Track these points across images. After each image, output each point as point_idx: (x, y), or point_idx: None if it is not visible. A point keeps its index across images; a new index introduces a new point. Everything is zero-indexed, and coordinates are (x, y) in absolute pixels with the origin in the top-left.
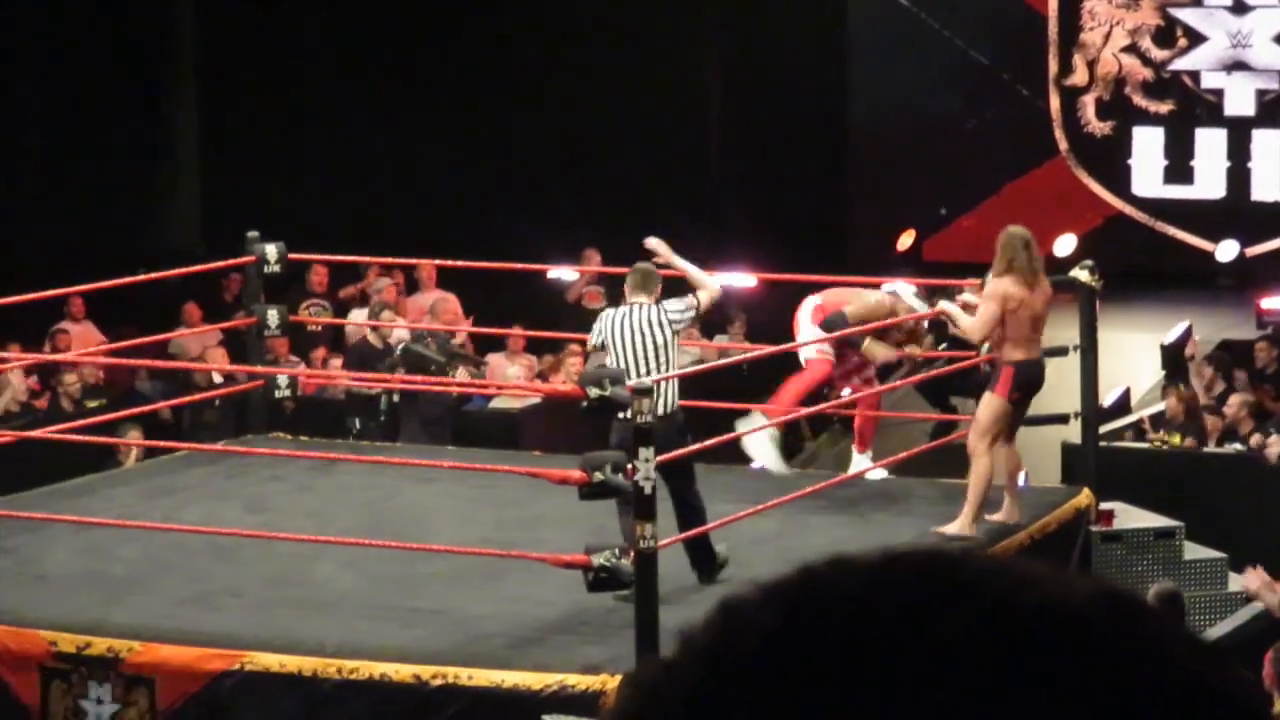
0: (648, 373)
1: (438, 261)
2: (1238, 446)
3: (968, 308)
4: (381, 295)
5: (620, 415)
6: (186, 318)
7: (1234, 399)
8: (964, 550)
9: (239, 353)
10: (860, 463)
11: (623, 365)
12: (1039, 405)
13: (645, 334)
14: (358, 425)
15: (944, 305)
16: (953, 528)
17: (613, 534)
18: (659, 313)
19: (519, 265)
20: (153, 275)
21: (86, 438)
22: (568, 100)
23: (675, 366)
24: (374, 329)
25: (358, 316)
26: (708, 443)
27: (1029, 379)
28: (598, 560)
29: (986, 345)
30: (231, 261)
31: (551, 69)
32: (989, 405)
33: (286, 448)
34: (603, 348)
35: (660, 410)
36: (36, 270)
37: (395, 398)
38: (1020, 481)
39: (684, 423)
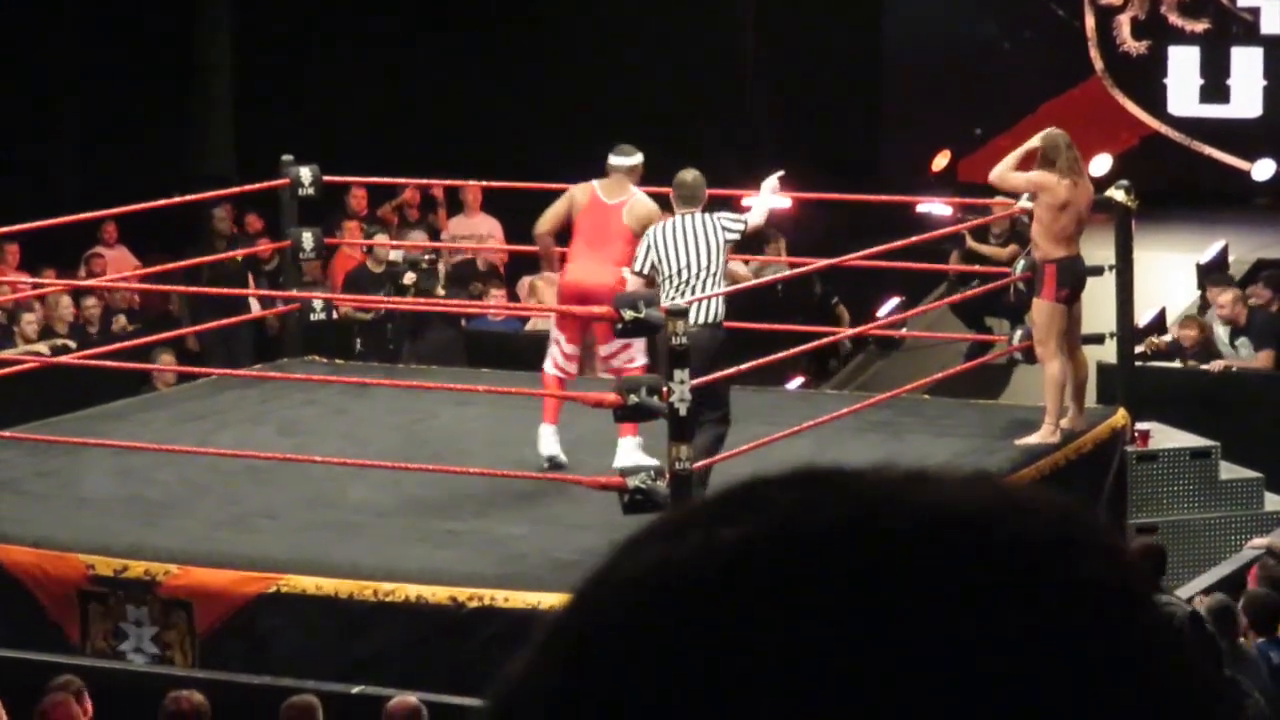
0: (699, 282)
1: (482, 183)
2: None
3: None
4: (382, 213)
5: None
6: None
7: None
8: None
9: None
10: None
11: (673, 275)
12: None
13: (698, 242)
14: (359, 347)
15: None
16: (1035, 437)
17: (652, 455)
18: (712, 222)
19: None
20: (186, 199)
21: (120, 363)
22: (602, 27)
23: (723, 278)
24: (370, 253)
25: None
26: (743, 366)
27: (1074, 276)
28: (633, 482)
29: (1021, 263)
30: (265, 184)
31: None
32: (1041, 310)
33: (320, 371)
34: (646, 273)
35: (705, 319)
36: (72, 198)
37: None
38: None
39: (726, 339)
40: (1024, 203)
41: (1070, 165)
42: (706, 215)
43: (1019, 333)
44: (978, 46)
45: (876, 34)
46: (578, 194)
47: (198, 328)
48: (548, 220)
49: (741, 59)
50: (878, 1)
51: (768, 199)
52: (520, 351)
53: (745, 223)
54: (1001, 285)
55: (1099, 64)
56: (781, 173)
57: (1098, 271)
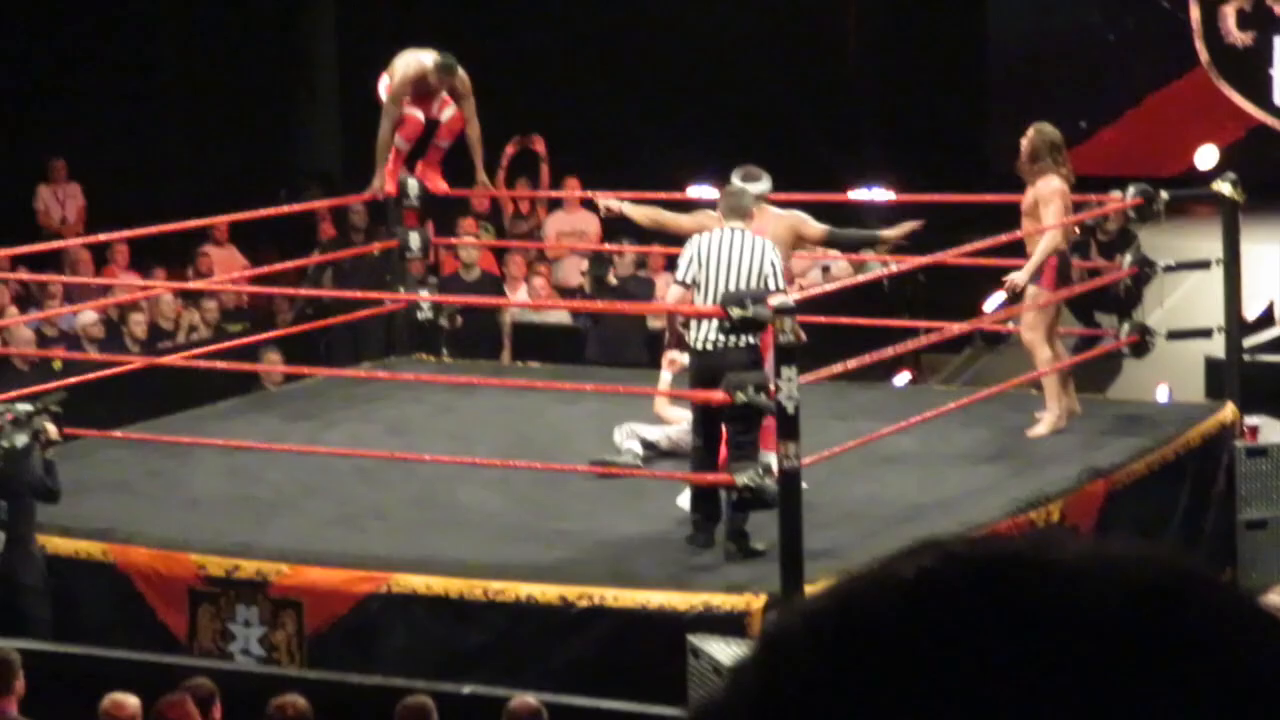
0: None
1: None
2: None
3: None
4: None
5: (698, 346)
6: (323, 240)
7: None
8: (1001, 551)
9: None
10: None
11: (711, 289)
12: (1181, 320)
13: (743, 260)
14: (445, 355)
15: (1015, 278)
16: (1044, 426)
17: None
18: (763, 246)
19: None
20: (294, 208)
21: (228, 364)
22: (704, 21)
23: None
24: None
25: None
26: (850, 362)
27: (1069, 267)
28: (742, 479)
29: (1128, 258)
30: (366, 195)
31: None
32: (1038, 298)
33: (428, 370)
34: (692, 284)
35: (740, 339)
36: (179, 191)
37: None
38: (1164, 396)
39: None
40: (1130, 196)
41: (1064, 160)
42: (759, 238)
43: (1126, 327)
44: (1081, 39)
45: (981, 26)
46: (705, 220)
47: (300, 327)
48: (662, 223)
49: (843, 53)
50: None
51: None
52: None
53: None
54: (1110, 280)
55: (1204, 55)
56: (919, 224)
57: (1204, 265)
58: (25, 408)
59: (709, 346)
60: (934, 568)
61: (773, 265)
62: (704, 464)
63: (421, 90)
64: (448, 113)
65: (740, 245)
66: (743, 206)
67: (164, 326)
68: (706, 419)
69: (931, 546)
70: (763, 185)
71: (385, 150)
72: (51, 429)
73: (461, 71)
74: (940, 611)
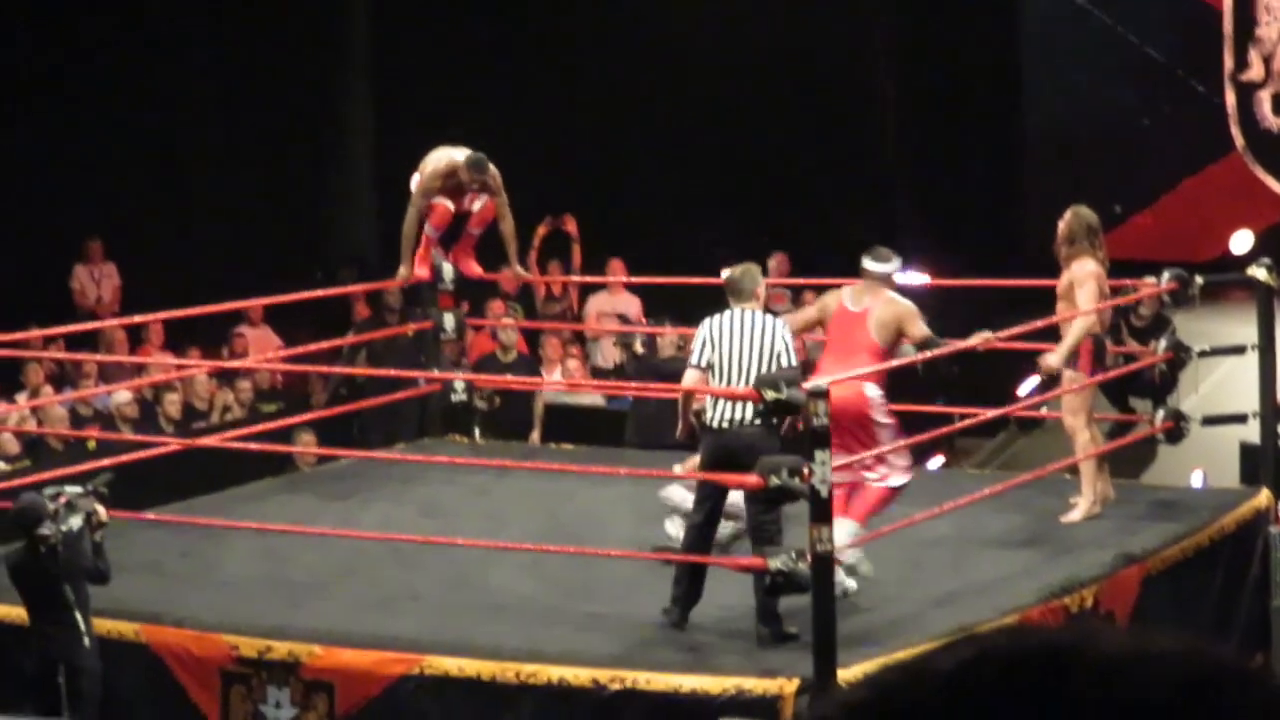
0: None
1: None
2: None
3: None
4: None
5: (715, 424)
6: (358, 321)
7: None
8: (1038, 644)
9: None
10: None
11: (727, 371)
12: (1217, 405)
13: (754, 339)
14: (478, 437)
15: (1049, 360)
16: (1078, 512)
17: (792, 539)
18: (775, 325)
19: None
20: (330, 291)
21: (262, 445)
22: (743, 104)
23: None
24: (498, 340)
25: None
26: (885, 447)
27: (1104, 351)
28: (774, 564)
29: (1163, 344)
30: (396, 282)
31: (727, 71)
32: (1076, 382)
33: (462, 452)
34: (707, 367)
35: (756, 416)
36: (215, 273)
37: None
38: (1199, 482)
39: (779, 438)
40: (1165, 281)
41: (1100, 243)
42: (770, 316)
43: (1161, 413)
44: (1117, 123)
45: (1017, 109)
46: (829, 300)
47: (334, 409)
48: (795, 324)
49: (879, 134)
50: (1018, 77)
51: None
52: (596, 427)
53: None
54: (1144, 365)
55: (1239, 140)
56: (993, 336)
57: (1239, 350)
58: (75, 489)
59: (725, 424)
60: (972, 661)
61: (785, 343)
62: (701, 543)
63: (452, 186)
64: (479, 204)
65: (752, 325)
66: (747, 288)
67: (198, 407)
68: (716, 498)
69: (970, 640)
70: (892, 265)
71: (410, 242)
72: (101, 510)
73: (493, 168)
74: (979, 706)
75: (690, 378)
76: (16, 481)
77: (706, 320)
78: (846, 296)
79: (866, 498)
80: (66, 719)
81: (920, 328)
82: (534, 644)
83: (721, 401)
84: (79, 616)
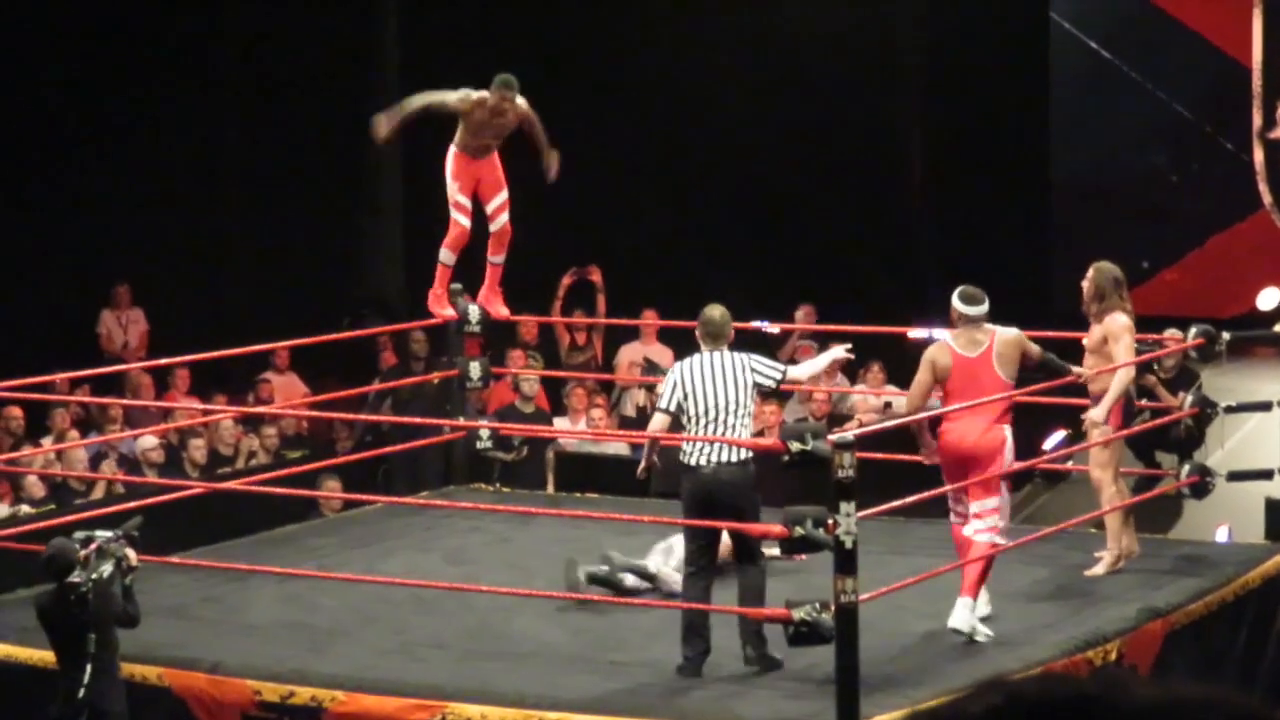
0: (726, 421)
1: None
2: None
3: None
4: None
5: (694, 464)
6: (384, 369)
7: None
8: (1068, 692)
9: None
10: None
11: (700, 414)
12: (1242, 461)
13: (725, 380)
14: (498, 486)
15: (1092, 415)
16: (1102, 566)
17: (815, 589)
18: (742, 361)
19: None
20: (354, 334)
21: (286, 490)
22: (770, 157)
23: (750, 420)
24: (519, 390)
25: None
26: (908, 499)
27: (1133, 405)
28: (798, 614)
29: (1190, 399)
30: (433, 321)
31: (754, 123)
32: (1105, 435)
33: (486, 499)
34: (673, 410)
35: (734, 458)
36: (243, 320)
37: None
38: (1224, 537)
39: (754, 479)
40: (1192, 337)
41: (1128, 296)
42: (736, 354)
43: (1187, 467)
44: (1145, 179)
45: (1045, 165)
46: (937, 355)
47: (359, 455)
48: (917, 396)
49: (908, 190)
50: (1047, 134)
51: (822, 364)
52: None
53: (782, 373)
54: (1170, 420)
55: (1267, 198)
56: (849, 346)
57: (1265, 407)
58: (106, 534)
59: (705, 464)
60: (1002, 707)
61: (752, 369)
62: (701, 593)
63: (479, 123)
64: (497, 224)
65: (720, 366)
66: (725, 331)
67: (223, 452)
68: (707, 546)
69: (999, 685)
70: (983, 308)
71: (404, 110)
72: (131, 555)
73: (522, 99)
74: None
75: (657, 422)
76: (42, 524)
77: (678, 364)
78: (957, 345)
79: (974, 567)
80: None
81: (1034, 345)
82: (556, 692)
83: (700, 443)
84: (106, 661)
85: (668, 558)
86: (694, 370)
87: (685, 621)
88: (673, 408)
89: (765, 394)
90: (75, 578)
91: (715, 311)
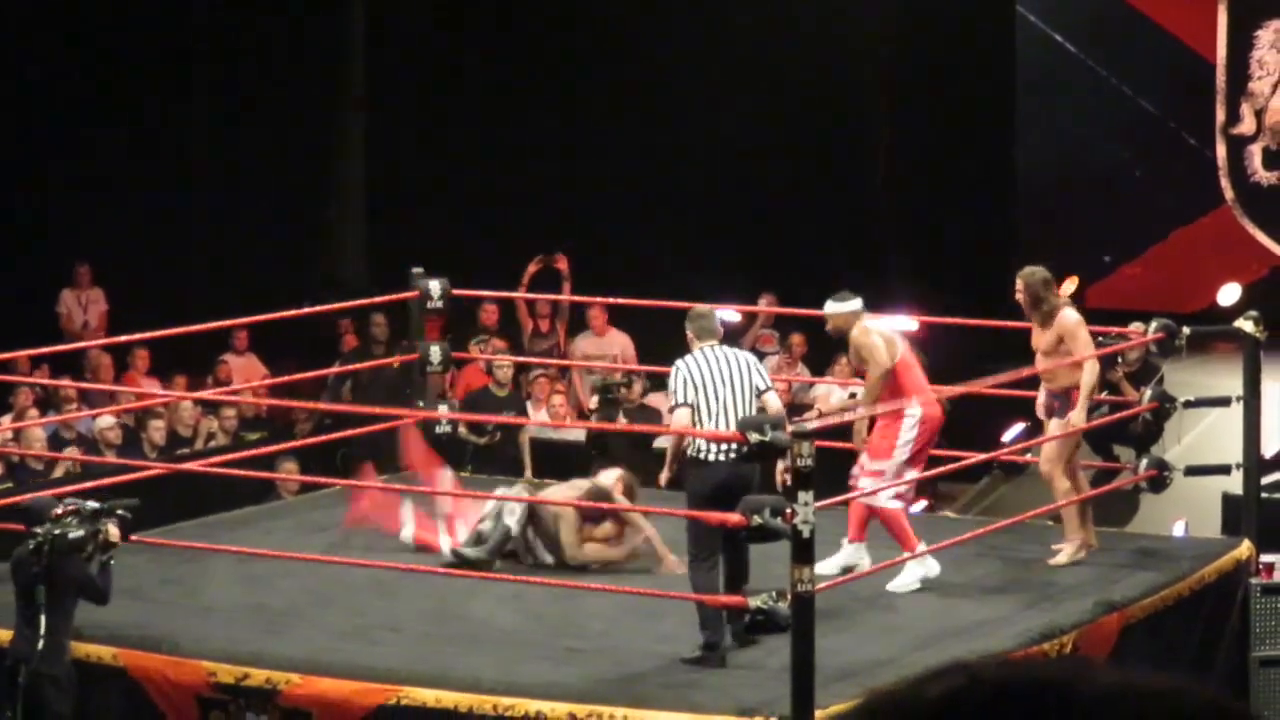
0: (731, 412)
1: (609, 300)
2: None
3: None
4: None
5: (702, 457)
6: (345, 351)
7: None
8: (1029, 676)
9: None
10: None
11: (708, 403)
12: (1200, 456)
13: (732, 374)
14: (470, 470)
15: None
16: (1064, 556)
17: (772, 578)
18: (745, 360)
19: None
20: (313, 309)
21: (244, 472)
22: (734, 146)
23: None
24: (492, 375)
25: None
26: (868, 490)
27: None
28: (755, 602)
29: (1149, 393)
30: (394, 296)
31: (718, 115)
32: (1061, 429)
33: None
34: (686, 404)
35: (731, 452)
36: (204, 302)
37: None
38: (1181, 531)
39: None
40: (1153, 331)
41: (1057, 290)
42: (738, 351)
43: (1145, 462)
44: (1109, 174)
45: (1010, 159)
46: (890, 339)
47: (318, 439)
48: (875, 389)
49: (872, 180)
50: (1011, 128)
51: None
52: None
53: (767, 388)
54: (1129, 415)
55: (1229, 193)
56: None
57: (1225, 402)
58: (93, 505)
59: (719, 458)
60: (962, 689)
61: (758, 371)
62: (709, 579)
63: None
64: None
65: (725, 360)
66: (713, 327)
67: (182, 434)
68: (716, 534)
69: (960, 667)
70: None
71: None
72: (114, 532)
73: None
74: None
75: (683, 417)
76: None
77: (681, 361)
78: (892, 332)
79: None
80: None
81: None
82: (512, 677)
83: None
84: (49, 622)
85: (509, 515)
86: (701, 365)
87: (701, 612)
88: (691, 400)
89: None
90: (38, 529)
91: (705, 307)
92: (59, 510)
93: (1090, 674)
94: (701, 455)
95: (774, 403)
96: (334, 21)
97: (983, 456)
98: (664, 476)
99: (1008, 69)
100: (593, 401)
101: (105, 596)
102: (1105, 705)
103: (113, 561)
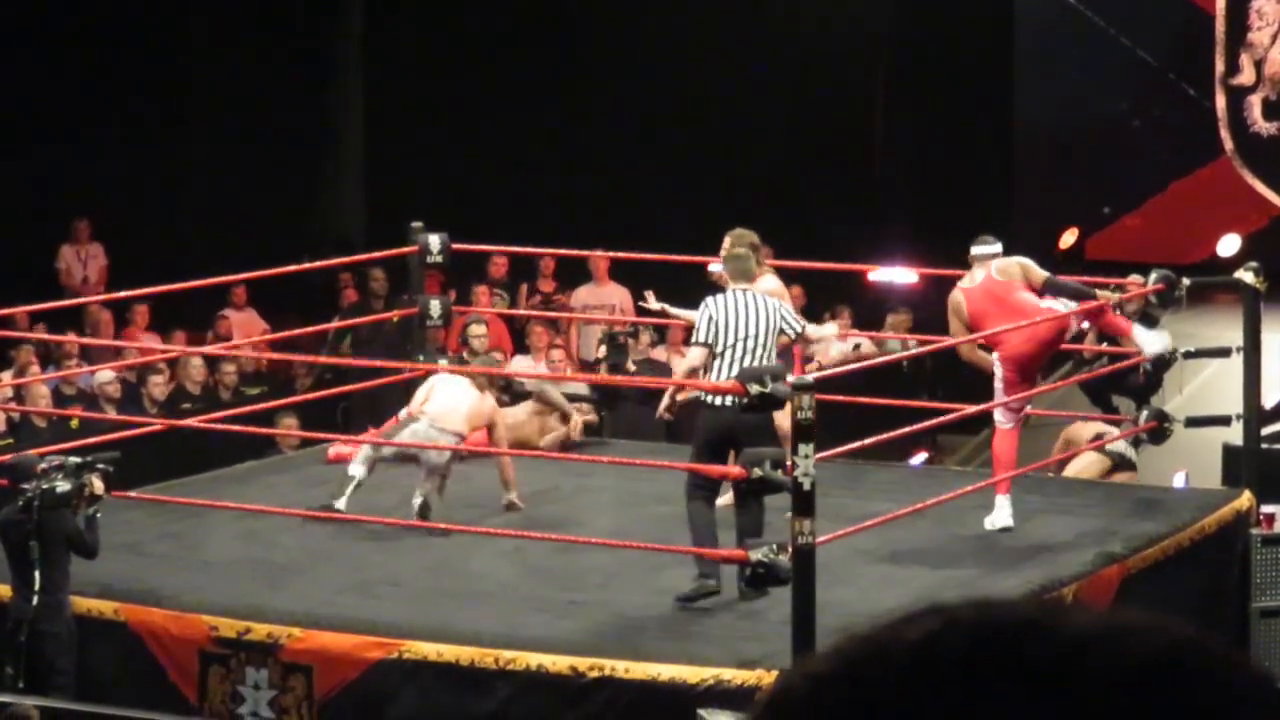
0: (753, 356)
1: (610, 254)
2: None
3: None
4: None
5: (712, 401)
6: (344, 306)
7: None
8: (1007, 616)
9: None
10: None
11: (732, 345)
12: (1200, 407)
13: (757, 317)
14: None
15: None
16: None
17: (772, 530)
18: (772, 305)
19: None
20: (313, 265)
21: (244, 428)
22: (731, 99)
23: (771, 359)
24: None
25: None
26: (866, 441)
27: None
28: (755, 555)
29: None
30: (394, 251)
31: (716, 67)
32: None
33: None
34: (708, 345)
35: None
36: (203, 257)
37: None
38: (1181, 482)
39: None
40: (1152, 281)
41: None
42: (765, 298)
43: (1145, 413)
44: (1109, 124)
45: (1008, 111)
46: (956, 298)
47: (318, 394)
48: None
49: (871, 134)
50: (1010, 79)
51: (831, 332)
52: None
53: (803, 327)
54: (1129, 365)
55: (1229, 144)
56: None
57: (1225, 353)
58: (76, 460)
59: (727, 403)
60: (939, 632)
61: (781, 315)
62: (704, 507)
63: None
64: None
65: (750, 303)
66: (748, 269)
67: (190, 390)
68: (711, 478)
69: (936, 610)
70: (995, 247)
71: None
72: (99, 485)
73: None
74: (945, 676)
75: (695, 354)
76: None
77: (711, 299)
78: (974, 282)
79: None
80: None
81: (1039, 271)
82: (513, 630)
83: (722, 379)
84: (45, 578)
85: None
86: (727, 304)
87: (695, 540)
88: (709, 339)
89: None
90: (25, 485)
91: (741, 250)
92: (43, 466)
93: (1068, 614)
94: (708, 399)
95: (819, 331)
96: None
97: (983, 407)
98: (661, 408)
99: (1005, 20)
100: (601, 350)
101: (94, 550)
102: (1086, 642)
103: (99, 514)
